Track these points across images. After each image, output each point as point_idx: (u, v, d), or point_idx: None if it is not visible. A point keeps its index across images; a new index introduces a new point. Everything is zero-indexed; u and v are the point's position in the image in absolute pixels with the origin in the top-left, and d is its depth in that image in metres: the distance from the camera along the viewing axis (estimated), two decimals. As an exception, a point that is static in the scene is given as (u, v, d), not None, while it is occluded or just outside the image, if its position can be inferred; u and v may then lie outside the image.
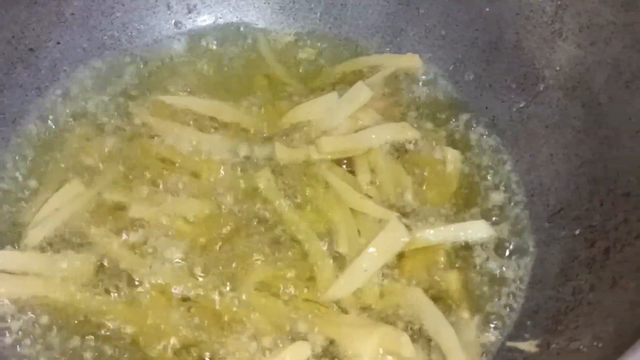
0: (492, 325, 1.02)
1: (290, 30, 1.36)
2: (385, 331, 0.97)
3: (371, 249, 1.03)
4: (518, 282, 1.06)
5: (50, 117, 1.22)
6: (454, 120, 1.24)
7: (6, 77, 1.19)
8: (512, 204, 1.14)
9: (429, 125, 1.22)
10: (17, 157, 1.17)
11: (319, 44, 1.34)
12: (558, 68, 1.14)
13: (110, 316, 1.01)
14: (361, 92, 1.20)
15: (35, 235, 1.06)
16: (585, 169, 1.08)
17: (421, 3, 1.29)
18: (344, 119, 1.19)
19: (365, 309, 1.02)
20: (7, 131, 1.19)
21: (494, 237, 1.09)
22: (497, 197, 1.15)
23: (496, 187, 1.16)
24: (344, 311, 1.01)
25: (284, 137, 1.19)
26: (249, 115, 1.22)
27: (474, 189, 1.16)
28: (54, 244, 1.06)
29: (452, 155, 1.17)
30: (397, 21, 1.32)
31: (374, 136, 1.17)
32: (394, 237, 1.05)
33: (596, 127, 1.07)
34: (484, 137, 1.22)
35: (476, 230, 1.09)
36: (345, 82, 1.26)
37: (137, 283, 1.03)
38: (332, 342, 0.98)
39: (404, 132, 1.19)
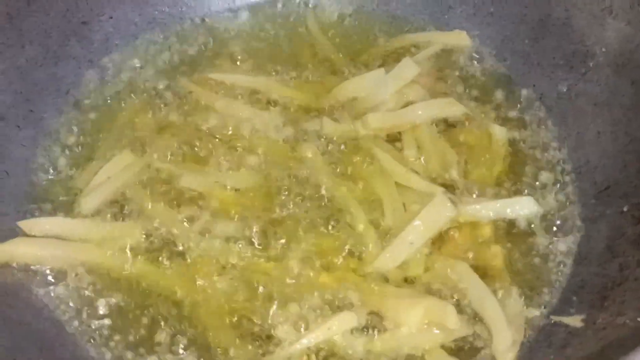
0: (537, 300, 1.02)
1: (338, 7, 1.37)
2: (430, 302, 0.98)
3: (417, 222, 1.04)
4: (564, 258, 1.06)
5: (103, 89, 1.25)
6: (501, 97, 1.24)
7: (60, 49, 1.22)
8: (559, 181, 1.14)
9: (476, 102, 1.23)
10: (70, 127, 1.20)
11: (367, 21, 1.35)
12: (608, 45, 1.13)
13: (159, 283, 1.03)
14: (408, 69, 1.21)
15: (88, 202, 1.09)
16: (634, 147, 1.07)
17: (470, -20, 1.30)
18: (391, 95, 1.20)
19: (410, 281, 1.03)
20: (61, 102, 1.22)
21: (540, 213, 1.09)
22: (543, 174, 1.14)
23: (543, 164, 1.16)
24: (390, 283, 1.02)
25: (332, 112, 1.20)
26: (297, 90, 1.23)
27: (520, 166, 1.15)
28: (106, 212, 1.09)
29: (499, 132, 1.17)
30: (445, -2, 1.32)
31: (420, 112, 1.18)
32: (440, 211, 1.05)
33: (645, 105, 1.07)
34: (531, 114, 1.21)
35: (522, 206, 1.09)
36: (393, 59, 1.27)
37: (186, 253, 1.05)
38: (377, 312, 1.00)
39: (450, 108, 1.19)
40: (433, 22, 1.33)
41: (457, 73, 1.26)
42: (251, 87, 1.23)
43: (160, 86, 1.25)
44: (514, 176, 1.14)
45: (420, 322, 0.97)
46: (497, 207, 1.08)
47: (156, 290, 1.03)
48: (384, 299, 1.00)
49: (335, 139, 1.16)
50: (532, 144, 1.18)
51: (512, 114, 1.22)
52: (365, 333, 0.98)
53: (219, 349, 0.97)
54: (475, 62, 1.28)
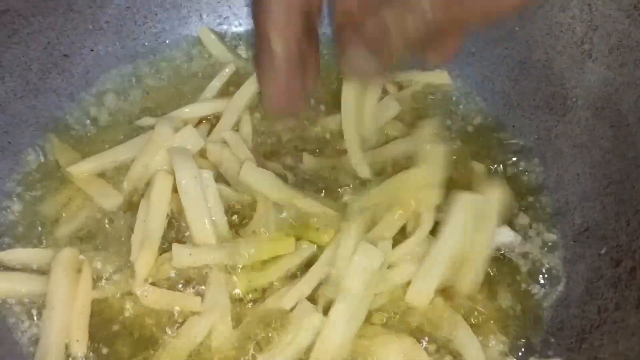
0: (516, 342, 1.02)
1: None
2: (407, 344, 0.97)
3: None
4: (544, 300, 1.06)
5: (82, 122, 1.24)
6: (480, 136, 1.24)
7: (41, 82, 1.21)
8: (539, 221, 1.14)
9: (456, 140, 1.23)
10: (50, 162, 1.19)
11: (349, 59, 1.35)
12: (587, 88, 1.14)
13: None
14: (390, 107, 1.22)
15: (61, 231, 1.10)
16: (613, 189, 1.08)
17: (451, 21, 1.30)
18: (372, 132, 1.20)
19: (388, 322, 1.02)
20: (38, 134, 1.21)
21: (518, 242, 1.09)
22: (523, 215, 1.15)
23: (522, 205, 1.16)
24: (368, 322, 1.01)
25: (313, 148, 1.20)
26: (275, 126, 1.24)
27: (500, 205, 1.16)
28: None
29: (479, 169, 1.18)
30: (427, 38, 1.32)
31: (399, 148, 1.18)
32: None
33: (624, 148, 1.07)
34: (511, 154, 1.22)
35: (501, 237, 1.08)
36: (375, 96, 1.27)
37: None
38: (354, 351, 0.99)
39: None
40: (415, 60, 1.34)
41: (437, 112, 1.27)
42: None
43: (137, 116, 1.24)
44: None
45: (396, 361, 0.97)
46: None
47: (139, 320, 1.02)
48: (360, 339, 0.99)
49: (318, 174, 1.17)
50: (511, 184, 1.17)
51: (492, 153, 1.22)
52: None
53: None
54: (456, 102, 1.29)
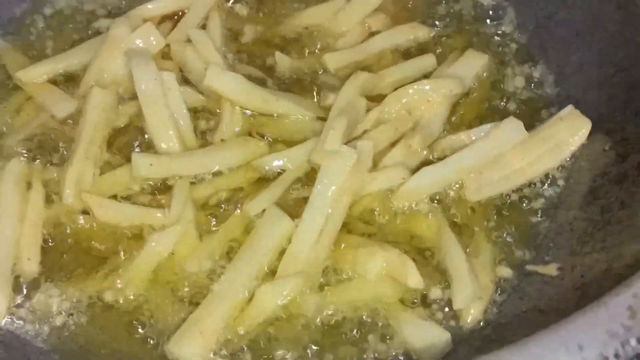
0: (510, 249, 0.93)
1: None
2: (391, 255, 0.88)
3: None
4: (540, 203, 0.96)
5: (37, 23, 1.16)
6: (475, 26, 1.14)
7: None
8: (539, 116, 1.04)
9: (446, 32, 1.13)
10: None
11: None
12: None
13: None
14: (371, -4, 1.12)
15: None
16: (620, 78, 0.97)
17: None
18: (354, 25, 1.11)
19: (371, 233, 0.93)
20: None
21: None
22: (522, 110, 1.04)
23: (520, 99, 1.06)
24: (350, 231, 0.93)
25: (286, 46, 1.11)
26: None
27: (496, 101, 1.05)
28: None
29: (480, 59, 1.06)
30: None
31: (383, 41, 1.09)
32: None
33: (633, 31, 0.96)
34: (509, 45, 1.11)
35: (510, 130, 0.96)
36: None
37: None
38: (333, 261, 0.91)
39: (416, 32, 1.10)
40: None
41: (425, 3, 1.16)
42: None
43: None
44: (491, 113, 1.04)
45: (378, 273, 0.88)
46: (481, 133, 0.97)
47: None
48: (340, 249, 0.91)
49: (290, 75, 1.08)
50: (510, 78, 1.08)
51: (488, 45, 1.11)
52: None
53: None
54: (445, -10, 1.18)
